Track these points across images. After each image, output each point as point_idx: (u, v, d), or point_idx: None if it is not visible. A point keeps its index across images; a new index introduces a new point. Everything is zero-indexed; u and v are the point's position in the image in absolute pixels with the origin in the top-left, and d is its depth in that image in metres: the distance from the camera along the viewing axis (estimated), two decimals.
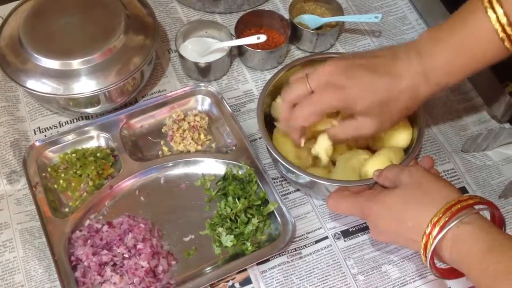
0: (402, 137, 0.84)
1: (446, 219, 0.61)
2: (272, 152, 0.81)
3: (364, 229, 0.84)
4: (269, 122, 0.87)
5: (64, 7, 0.94)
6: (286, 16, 1.03)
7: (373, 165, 0.79)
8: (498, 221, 0.65)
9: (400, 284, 0.79)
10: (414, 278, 0.80)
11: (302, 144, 0.80)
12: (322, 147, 0.80)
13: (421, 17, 1.10)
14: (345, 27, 1.08)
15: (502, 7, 0.67)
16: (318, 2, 1.06)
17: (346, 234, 0.84)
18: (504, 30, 0.67)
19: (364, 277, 0.80)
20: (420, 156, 0.90)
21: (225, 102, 0.95)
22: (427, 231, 0.61)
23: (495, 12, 0.67)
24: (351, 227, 0.85)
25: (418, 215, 0.64)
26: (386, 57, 0.75)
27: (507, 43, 0.68)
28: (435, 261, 0.64)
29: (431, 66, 0.73)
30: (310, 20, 1.04)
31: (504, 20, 0.67)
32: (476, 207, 0.62)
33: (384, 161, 0.80)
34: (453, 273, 0.64)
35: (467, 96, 0.99)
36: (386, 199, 0.68)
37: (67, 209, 0.85)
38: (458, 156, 0.92)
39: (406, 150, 0.84)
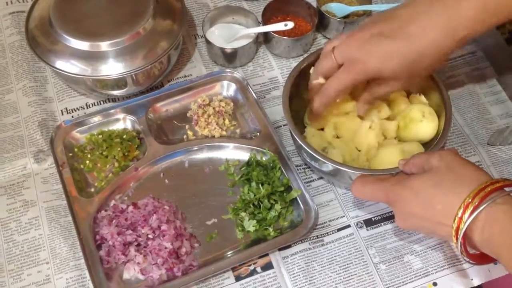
0: (428, 129, 0.84)
1: (479, 200, 0.61)
2: (297, 139, 0.82)
3: (387, 218, 0.84)
4: (293, 110, 0.87)
5: None
6: (314, 4, 1.03)
7: (384, 155, 0.81)
8: None
9: (422, 274, 0.79)
10: (436, 269, 0.79)
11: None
12: None
13: None
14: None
15: None
16: None
17: (368, 223, 0.84)
18: None
19: (386, 266, 0.80)
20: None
21: (250, 89, 0.95)
22: (459, 213, 0.61)
23: None
24: (374, 216, 0.85)
25: (448, 198, 0.64)
26: (401, 18, 0.73)
27: None
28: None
29: (458, 19, 0.70)
30: (337, 8, 1.03)
31: None
32: (507, 189, 0.62)
33: (395, 152, 0.80)
34: (482, 258, 0.64)
35: (494, 89, 0.98)
36: (414, 183, 0.68)
37: (92, 189, 0.87)
38: (484, 149, 0.91)
39: (430, 142, 0.84)
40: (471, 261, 0.65)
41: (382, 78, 0.76)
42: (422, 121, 0.83)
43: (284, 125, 0.94)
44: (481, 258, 0.65)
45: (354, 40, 0.75)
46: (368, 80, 0.79)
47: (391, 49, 0.73)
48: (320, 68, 0.80)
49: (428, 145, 0.84)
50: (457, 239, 0.62)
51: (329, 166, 0.80)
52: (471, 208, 0.61)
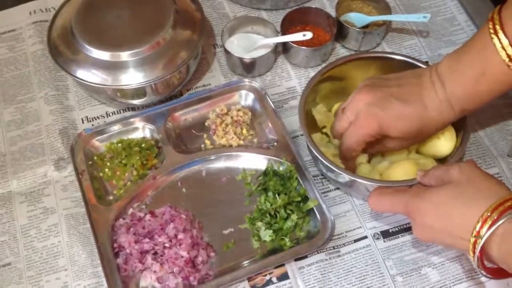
0: (445, 146, 0.83)
1: (497, 214, 0.60)
2: (313, 150, 0.82)
3: (405, 230, 0.84)
4: (310, 120, 0.87)
5: (115, 1, 0.96)
6: (333, 14, 1.03)
7: (398, 168, 0.80)
8: None
9: (440, 287, 0.78)
10: (454, 282, 0.79)
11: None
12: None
13: (471, 18, 1.07)
14: (392, 26, 1.07)
15: (507, 38, 0.69)
16: (365, 1, 1.05)
17: (386, 234, 0.84)
18: (511, 60, 0.69)
19: (403, 278, 0.79)
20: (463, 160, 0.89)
21: (268, 98, 0.95)
22: (477, 227, 0.61)
23: (501, 42, 0.69)
24: (392, 228, 0.84)
25: (467, 211, 0.63)
26: (413, 85, 0.78)
27: None
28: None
29: (453, 96, 0.76)
30: (356, 18, 1.03)
31: (509, 49, 0.69)
32: None
33: (409, 166, 0.80)
34: (500, 272, 0.64)
35: None
36: (433, 196, 0.67)
37: (111, 197, 0.87)
38: (504, 161, 0.90)
39: (447, 157, 0.83)
40: (488, 275, 0.65)
41: (387, 136, 0.79)
42: (440, 138, 0.83)
43: (301, 135, 0.94)
44: (499, 273, 0.64)
45: (365, 97, 0.77)
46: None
47: (404, 111, 0.76)
48: (334, 131, 0.83)
49: (445, 160, 0.83)
50: (474, 253, 0.62)
51: (345, 177, 0.80)
52: (489, 223, 0.60)
